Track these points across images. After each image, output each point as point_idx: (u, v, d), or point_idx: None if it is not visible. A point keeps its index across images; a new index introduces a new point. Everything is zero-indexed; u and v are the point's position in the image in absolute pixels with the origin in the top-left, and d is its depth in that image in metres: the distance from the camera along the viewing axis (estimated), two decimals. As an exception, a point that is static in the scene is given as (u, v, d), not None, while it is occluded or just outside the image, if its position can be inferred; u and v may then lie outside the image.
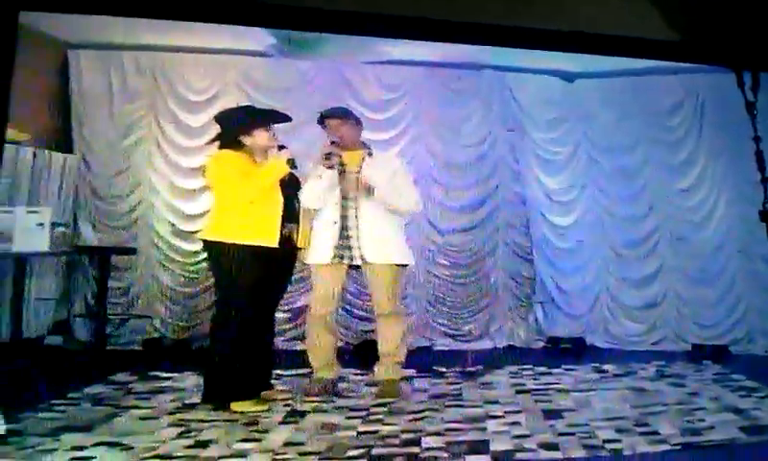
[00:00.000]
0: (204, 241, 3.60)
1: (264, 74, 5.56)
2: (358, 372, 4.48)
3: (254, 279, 3.51)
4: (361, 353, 4.73)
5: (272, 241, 3.55)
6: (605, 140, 5.90)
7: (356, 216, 3.82)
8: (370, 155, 3.96)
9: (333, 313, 3.96)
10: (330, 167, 3.72)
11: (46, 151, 5.00)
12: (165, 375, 4.39)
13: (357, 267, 3.97)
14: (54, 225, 4.53)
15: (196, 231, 5.20)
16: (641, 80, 5.67)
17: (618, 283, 5.80)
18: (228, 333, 3.54)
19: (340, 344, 4.49)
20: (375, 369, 3.99)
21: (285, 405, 3.70)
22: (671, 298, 5.69)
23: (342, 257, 3.86)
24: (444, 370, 4.62)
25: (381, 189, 3.78)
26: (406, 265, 4.00)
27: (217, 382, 3.57)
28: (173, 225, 5.46)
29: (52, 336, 5.01)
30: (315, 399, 3.83)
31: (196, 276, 5.35)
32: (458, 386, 4.22)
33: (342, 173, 3.84)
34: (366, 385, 4.20)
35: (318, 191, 3.80)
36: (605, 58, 4.88)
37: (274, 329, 3.99)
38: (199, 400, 3.69)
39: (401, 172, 4.01)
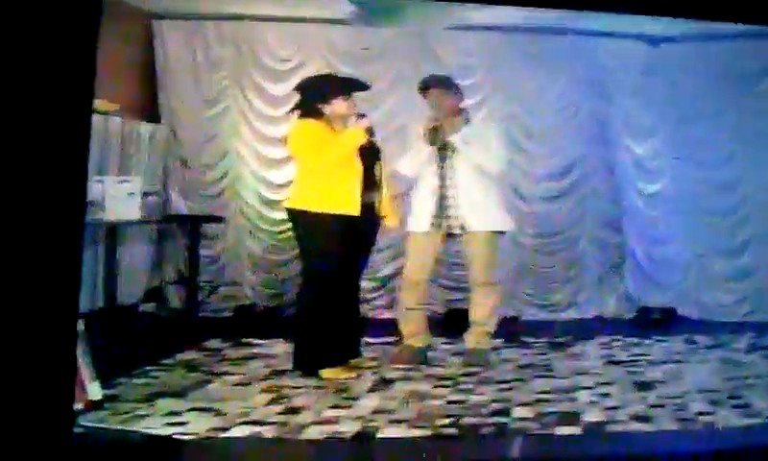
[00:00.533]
0: (288, 210, 3.67)
1: (346, 42, 5.49)
2: (446, 341, 4.44)
3: (337, 246, 3.52)
4: (449, 323, 4.73)
5: (353, 209, 3.57)
6: (692, 107, 5.65)
7: (454, 184, 3.82)
8: (467, 121, 3.95)
9: (427, 281, 3.98)
10: (433, 143, 3.78)
11: (134, 121, 5.04)
12: (256, 341, 4.41)
13: (452, 235, 3.96)
14: (144, 194, 4.57)
15: (282, 200, 5.22)
16: (728, 44, 5.40)
17: (709, 252, 5.61)
18: (313, 301, 3.59)
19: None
20: (465, 338, 3.98)
21: (373, 373, 3.71)
22: (763, 267, 5.48)
23: (440, 226, 3.87)
24: (532, 340, 4.58)
25: (478, 154, 3.81)
26: (504, 232, 4.00)
27: (306, 349, 3.61)
28: (260, 194, 5.47)
29: (145, 304, 5.06)
30: (404, 366, 3.83)
31: (284, 244, 5.30)
32: (546, 357, 4.18)
33: (440, 141, 3.84)
34: (453, 355, 4.18)
35: (417, 162, 3.86)
36: (690, 22, 4.60)
37: (359, 297, 3.97)
38: (289, 367, 3.72)
39: (494, 138, 4.01)
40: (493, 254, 3.92)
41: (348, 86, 3.74)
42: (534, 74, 5.64)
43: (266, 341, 4.40)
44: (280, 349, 4.18)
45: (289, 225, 4.86)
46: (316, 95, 3.65)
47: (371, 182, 3.73)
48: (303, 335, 3.63)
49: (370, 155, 3.73)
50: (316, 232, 3.51)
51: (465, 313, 4.30)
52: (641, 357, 4.15)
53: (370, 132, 3.62)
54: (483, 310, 3.89)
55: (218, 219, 5.21)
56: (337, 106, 3.62)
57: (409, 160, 3.88)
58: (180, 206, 5.31)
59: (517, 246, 5.47)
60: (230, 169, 5.45)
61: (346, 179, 3.58)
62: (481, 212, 3.82)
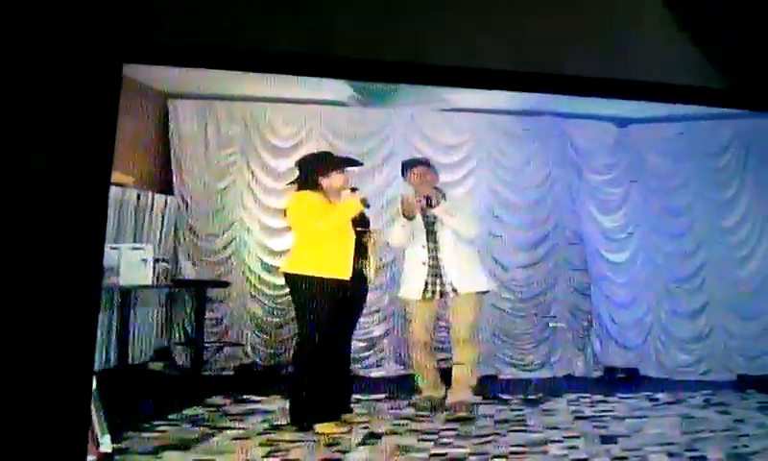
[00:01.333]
0: (285, 274, 3.80)
1: (343, 122, 5.59)
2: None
3: (330, 309, 3.67)
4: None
5: (345, 274, 3.72)
6: (656, 181, 5.86)
7: (442, 252, 4.09)
8: (444, 197, 4.23)
9: (431, 339, 4.22)
10: (412, 217, 4.04)
11: (149, 193, 5.12)
12: (256, 398, 4.49)
13: (443, 297, 4.17)
14: (156, 260, 4.73)
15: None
16: (691, 124, 5.64)
17: (669, 317, 5.73)
18: (308, 359, 3.72)
19: (403, 372, 4.93)
20: (449, 393, 4.14)
21: (363, 428, 3.83)
22: (718, 331, 5.62)
23: (434, 292, 4.13)
24: (507, 397, 4.72)
25: (458, 222, 4.11)
26: (487, 291, 4.28)
27: (301, 405, 3.72)
28: (262, 260, 5.49)
29: (154, 362, 5.07)
30: (419, 413, 4.12)
31: (283, 307, 5.31)
32: (521, 412, 4.33)
33: (425, 216, 4.15)
34: (435, 409, 4.29)
35: (405, 236, 4.12)
36: (657, 104, 4.97)
37: (350, 356, 4.13)
38: (286, 422, 3.82)
39: (470, 208, 4.50)
40: (476, 313, 4.17)
41: (343, 163, 3.95)
42: (514, 152, 5.80)
43: (264, 398, 4.46)
44: (278, 405, 4.25)
45: (287, 289, 5.02)
46: (314, 170, 3.86)
47: (361, 250, 3.86)
48: (298, 392, 3.73)
49: (360, 224, 3.89)
50: (311, 296, 3.65)
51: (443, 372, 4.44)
52: (606, 413, 4.31)
53: (365, 203, 3.78)
54: (465, 366, 4.10)
55: (223, 284, 5.30)
56: (335, 179, 3.84)
57: (397, 233, 4.10)
58: (188, 271, 5.37)
59: (497, 310, 5.64)
60: (235, 237, 5.49)
61: (340, 245, 3.74)
62: (467, 275, 4.08)
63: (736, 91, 2.82)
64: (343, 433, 3.66)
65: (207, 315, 5.18)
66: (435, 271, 4.07)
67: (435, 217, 4.09)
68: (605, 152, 5.89)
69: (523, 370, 5.58)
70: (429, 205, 4.00)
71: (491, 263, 5.64)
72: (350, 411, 3.96)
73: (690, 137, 5.84)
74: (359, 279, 3.85)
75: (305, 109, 5.58)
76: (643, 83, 2.74)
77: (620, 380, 5.42)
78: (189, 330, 5.20)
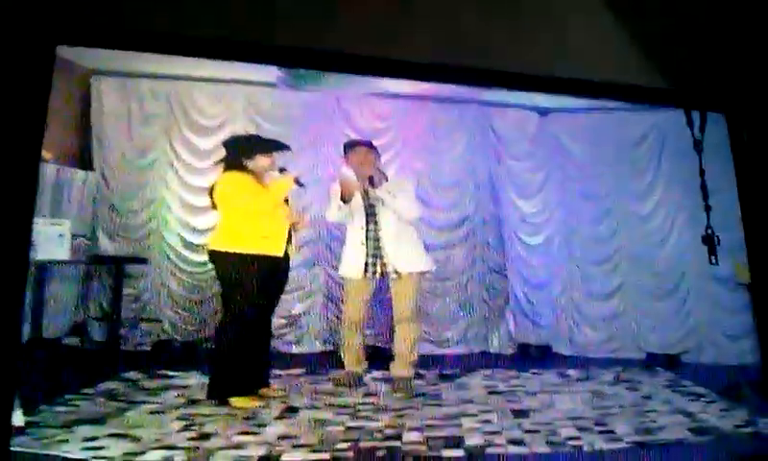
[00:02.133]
0: (211, 251, 3.63)
1: (269, 103, 5.52)
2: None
3: (258, 285, 3.56)
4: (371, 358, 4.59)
5: (279, 250, 3.65)
6: (575, 169, 5.94)
7: (381, 234, 3.99)
8: (386, 178, 4.12)
9: (363, 319, 4.12)
10: (350, 199, 3.89)
11: (68, 168, 4.98)
12: (172, 373, 4.39)
13: (384, 278, 4.08)
14: (74, 236, 4.54)
15: (204, 245, 5.15)
16: (610, 115, 5.76)
17: (582, 297, 5.80)
18: (230, 336, 3.60)
19: (323, 349, 5.10)
20: (392, 367, 4.10)
21: (282, 402, 3.76)
22: (630, 311, 5.69)
23: (375, 272, 4.02)
24: (424, 372, 4.62)
25: (400, 204, 3.98)
26: (427, 272, 4.17)
27: (219, 380, 3.62)
28: (183, 237, 5.40)
29: (70, 337, 4.92)
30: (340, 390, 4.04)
31: (202, 284, 5.29)
32: (437, 387, 4.28)
33: (365, 197, 4.03)
34: (379, 381, 4.31)
35: (341, 217, 4.03)
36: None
37: (271, 333, 4.00)
38: (203, 397, 3.72)
39: (408, 189, 4.18)
40: (417, 292, 4.07)
41: (270, 147, 3.82)
42: (438, 137, 5.82)
43: (181, 373, 4.36)
44: (195, 380, 4.17)
45: (208, 266, 4.73)
46: (239, 152, 3.73)
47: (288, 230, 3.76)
48: (217, 367, 3.63)
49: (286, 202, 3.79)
50: (239, 272, 3.53)
51: (379, 350, 4.71)
52: (519, 388, 4.27)
53: (298, 182, 3.69)
54: (407, 343, 4.01)
55: (142, 260, 5.16)
56: (258, 162, 3.72)
57: (333, 213, 3.97)
58: (106, 247, 5.25)
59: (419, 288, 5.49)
60: (156, 214, 5.39)
61: (275, 223, 3.65)
62: (409, 256, 3.98)
63: (642, 88, 2.83)
64: (261, 407, 3.57)
65: (125, 291, 5.04)
66: (375, 252, 3.99)
67: (376, 198, 3.98)
68: (526, 139, 5.96)
69: (441, 346, 5.58)
70: (372, 184, 3.90)
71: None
72: (267, 386, 3.86)
73: (609, 127, 5.88)
74: (284, 256, 3.78)
75: (232, 89, 5.49)
76: (575, 80, 2.72)
77: (533, 357, 5.44)
78: (106, 306, 5.04)
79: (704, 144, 3.56)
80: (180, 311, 5.31)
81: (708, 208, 3.51)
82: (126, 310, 5.10)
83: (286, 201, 3.78)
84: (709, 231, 3.78)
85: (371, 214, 3.98)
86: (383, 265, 3.96)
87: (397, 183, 4.10)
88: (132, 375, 4.32)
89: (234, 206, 3.58)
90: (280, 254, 3.63)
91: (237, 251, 3.51)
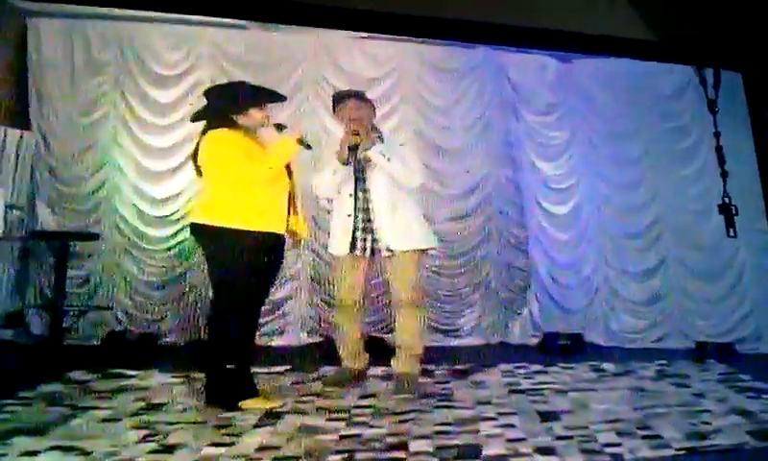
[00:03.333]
0: (197, 225, 3.39)
1: (241, 46, 5.38)
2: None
3: (256, 268, 3.37)
4: (370, 349, 4.41)
5: (280, 227, 3.43)
6: (604, 125, 5.77)
7: (375, 203, 3.77)
8: (380, 138, 3.88)
9: (360, 303, 3.92)
10: (347, 162, 3.69)
11: (0, 127, 4.84)
12: (129, 372, 4.15)
13: (376, 255, 3.91)
14: (8, 207, 4.47)
15: (166, 216, 5.19)
16: (643, 63, 5.37)
17: (618, 276, 5.64)
18: (230, 328, 3.41)
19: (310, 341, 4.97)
20: (394, 362, 3.91)
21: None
22: (674, 292, 5.56)
23: (364, 250, 3.83)
24: (432, 368, 4.42)
25: (396, 168, 3.74)
26: (427, 250, 3.97)
27: (222, 381, 3.42)
28: (139, 209, 5.22)
29: (3, 330, 4.78)
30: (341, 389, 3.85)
31: (164, 265, 5.13)
32: (448, 385, 4.06)
33: (354, 160, 3.78)
34: (381, 379, 4.10)
35: (333, 184, 3.79)
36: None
37: (257, 324, 3.82)
38: (164, 401, 3.55)
39: (409, 152, 3.96)
40: (418, 274, 3.86)
41: (263, 97, 3.58)
42: (443, 89, 5.65)
43: (139, 372, 4.14)
44: (155, 380, 3.99)
45: (169, 243, 5.14)
46: (229, 104, 3.48)
47: (290, 199, 3.59)
48: (218, 366, 3.42)
49: (288, 170, 3.61)
50: (233, 252, 3.30)
51: (380, 341, 4.51)
52: (546, 386, 4.08)
53: (303, 143, 3.46)
54: (410, 333, 3.82)
55: (91, 236, 4.97)
56: (251, 116, 3.48)
57: (325, 180, 3.80)
58: (47, 221, 5.04)
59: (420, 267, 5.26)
60: (107, 181, 5.21)
61: (274, 194, 3.43)
62: (404, 231, 3.76)
63: (654, 43, 2.88)
64: (275, 409, 3.40)
65: (71, 273, 4.87)
66: (365, 224, 3.78)
67: (367, 161, 3.76)
68: (547, 90, 5.84)
69: (451, 336, 5.44)
70: (354, 148, 3.69)
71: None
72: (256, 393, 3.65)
73: (642, 77, 5.70)
74: (287, 232, 3.60)
75: (195, 32, 5.39)
76: (576, 34, 2.80)
77: (562, 348, 5.21)
78: (48, 292, 4.92)
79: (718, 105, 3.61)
80: (136, 297, 5.13)
81: (724, 175, 3.57)
82: (71, 296, 4.92)
83: (288, 168, 3.54)
84: (726, 200, 3.74)
85: (360, 180, 3.79)
86: (373, 241, 3.80)
87: (394, 144, 3.93)
88: (80, 374, 4.10)
89: (225, 170, 3.34)
90: (281, 230, 3.45)
91: (229, 226, 3.29)
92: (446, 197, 5.56)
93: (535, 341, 5.48)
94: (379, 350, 4.35)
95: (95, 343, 4.94)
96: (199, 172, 3.47)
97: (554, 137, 5.79)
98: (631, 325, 5.53)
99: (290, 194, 3.54)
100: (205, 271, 4.00)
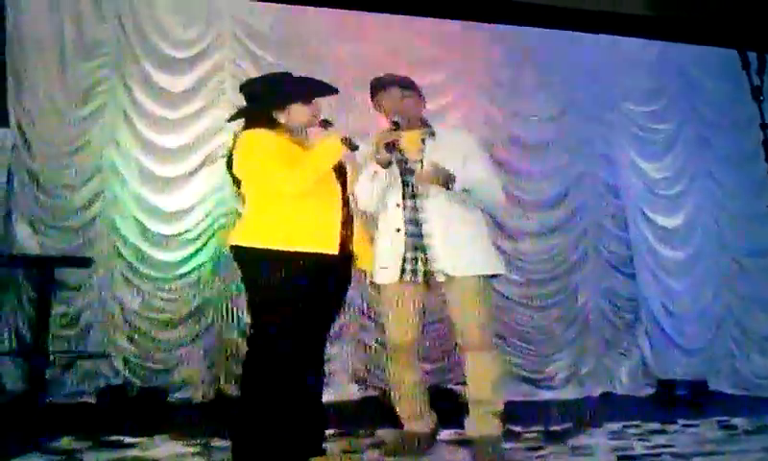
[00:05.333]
0: (236, 248, 3.03)
1: (268, 22, 4.93)
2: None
3: (307, 299, 2.95)
4: (436, 405, 3.92)
5: (331, 247, 3.01)
6: (716, 116, 5.39)
7: (425, 218, 3.25)
8: (431, 135, 3.38)
9: (416, 343, 3.40)
10: (388, 163, 3.18)
11: None
12: (128, 440, 3.56)
13: (430, 282, 3.38)
14: None
15: (179, 234, 4.72)
16: None
17: (745, 305, 5.20)
18: (270, 377, 2.92)
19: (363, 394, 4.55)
20: (467, 424, 3.34)
21: None
22: None
23: (414, 272, 3.28)
24: (519, 429, 3.87)
25: (458, 180, 3.26)
26: (496, 276, 3.45)
27: (254, 450, 2.92)
28: (144, 226, 4.72)
29: None
30: None
31: (175, 297, 4.61)
32: (540, 452, 3.51)
33: (400, 163, 3.31)
34: (447, 445, 3.55)
35: (375, 192, 3.27)
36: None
37: (323, 369, 3.30)
38: None
39: (476, 154, 3.40)
40: (487, 306, 3.30)
41: (311, 90, 3.22)
42: (518, 73, 5.21)
43: (143, 439, 3.55)
44: (164, 450, 3.41)
45: (184, 269, 4.65)
46: (270, 99, 3.13)
47: (344, 213, 3.18)
48: (249, 428, 2.96)
49: (340, 175, 3.21)
50: (280, 279, 2.91)
51: (447, 394, 4.08)
52: (665, 450, 3.49)
53: (350, 144, 3.05)
54: (485, 384, 3.26)
55: (82, 262, 4.43)
56: (295, 114, 3.10)
57: (364, 188, 3.28)
58: (27, 241, 4.50)
59: (498, 298, 4.79)
60: (103, 191, 4.69)
61: (322, 206, 3.04)
62: (463, 251, 3.23)
63: (694, 24, 3.36)
64: None
65: (56, 310, 4.32)
66: (415, 241, 3.26)
67: (416, 163, 3.29)
68: (644, 74, 5.41)
69: (541, 386, 4.89)
70: (392, 147, 3.14)
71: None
72: (324, 453, 3.17)
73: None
74: (343, 253, 3.12)
75: (213, 5, 4.98)
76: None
77: (681, 399, 4.69)
78: (26, 334, 4.38)
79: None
80: (139, 340, 4.57)
81: (775, 173, 3.15)
82: (56, 340, 4.33)
83: (339, 171, 3.15)
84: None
85: (408, 185, 3.30)
86: (426, 262, 3.27)
87: (449, 143, 3.41)
88: (66, 443, 3.52)
89: (263, 179, 3.03)
90: (333, 250, 3.02)
91: (272, 247, 2.92)
92: (528, 205, 5.06)
93: (648, 391, 4.96)
94: (449, 406, 3.81)
95: (86, 401, 4.42)
96: (236, 182, 3.13)
97: (657, 131, 5.33)
98: (763, 367, 5.06)
99: (344, 208, 3.12)
100: (229, 305, 4.09)
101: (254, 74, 4.24)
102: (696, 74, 5.45)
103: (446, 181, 3.24)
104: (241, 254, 3.03)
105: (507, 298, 4.90)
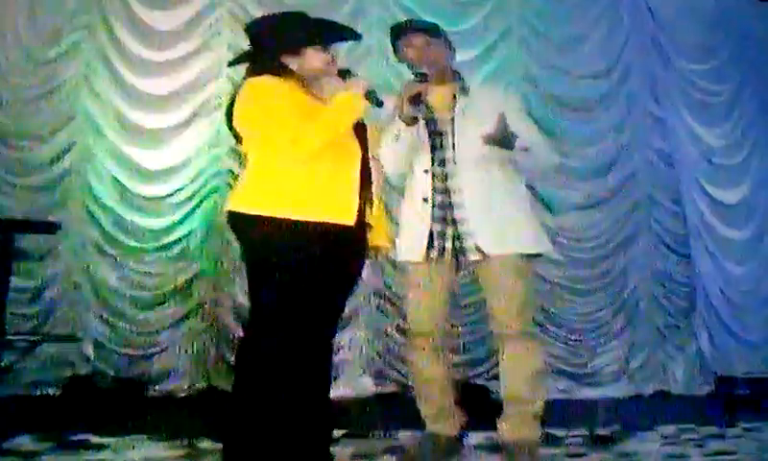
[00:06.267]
0: (234, 214, 2.66)
1: None
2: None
3: (317, 276, 2.60)
4: (465, 403, 3.45)
5: (348, 217, 2.66)
6: None
7: (457, 186, 2.91)
8: (464, 91, 3.01)
9: (441, 331, 3.03)
10: (413, 120, 2.80)
11: None
12: (99, 440, 3.16)
13: (462, 261, 3.05)
14: None
15: (164, 197, 4.26)
16: None
17: None
18: (269, 367, 2.56)
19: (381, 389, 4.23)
20: (501, 425, 3.02)
21: None
22: None
23: (443, 249, 2.92)
24: (560, 433, 3.47)
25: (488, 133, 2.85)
26: (539, 255, 3.09)
27: (249, 453, 2.60)
28: (123, 186, 4.30)
29: None
30: None
31: (159, 271, 4.19)
32: (584, 459, 3.19)
33: (428, 122, 2.96)
34: (476, 450, 3.26)
35: (399, 155, 2.90)
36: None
37: (331, 360, 2.94)
38: None
39: (516, 114, 2.96)
40: (527, 289, 2.95)
41: (329, 33, 2.83)
42: (562, 19, 4.84)
43: (116, 439, 3.13)
44: (142, 453, 3.04)
45: (169, 238, 4.29)
46: (280, 41, 2.72)
47: (362, 178, 2.82)
48: (246, 426, 2.63)
49: (359, 134, 2.82)
50: (285, 252, 2.56)
51: (478, 390, 3.95)
52: (725, 457, 3.20)
53: (373, 98, 2.64)
54: (522, 379, 2.92)
55: (49, 227, 3.94)
56: (312, 58, 2.71)
57: (392, 150, 2.91)
58: None
59: (537, 280, 4.40)
60: (75, 145, 4.27)
61: (339, 169, 2.70)
62: (502, 226, 2.87)
63: None
64: None
65: (15, 284, 3.67)
66: (445, 213, 2.91)
67: (445, 122, 2.94)
68: (702, 28, 5.07)
69: (585, 383, 4.53)
70: (415, 104, 2.76)
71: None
72: (330, 458, 2.88)
73: None
74: (360, 225, 2.76)
75: None
76: None
77: (743, 400, 4.39)
78: None
79: None
80: (115, 321, 4.14)
81: None
82: (16, 320, 3.93)
83: (358, 128, 2.73)
84: None
85: (437, 148, 2.94)
86: (458, 238, 2.90)
87: (485, 100, 2.99)
88: (26, 442, 3.17)
89: (270, 135, 2.62)
90: (351, 221, 2.65)
91: (279, 216, 2.53)
92: (571, 173, 4.62)
93: (705, 390, 4.64)
94: (479, 405, 3.58)
95: (51, 393, 4.03)
96: (237, 138, 2.75)
97: (714, 92, 4.95)
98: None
99: (363, 172, 2.73)
100: (222, 282, 3.92)
101: (256, 13, 3.98)
102: (758, 30, 5.09)
103: (508, 140, 2.81)
104: (239, 222, 2.65)
105: (546, 280, 4.53)
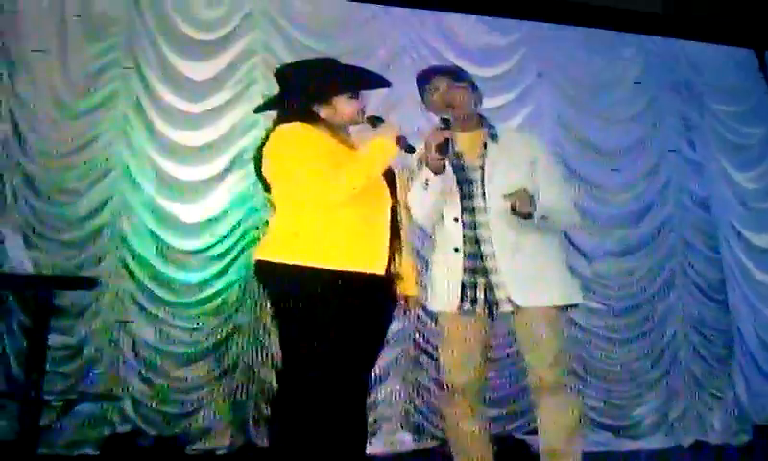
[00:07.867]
0: (263, 264, 2.53)
1: (308, 3, 4.38)
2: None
3: (349, 326, 2.45)
4: (503, 457, 3.39)
5: (378, 266, 2.54)
6: None
7: (486, 236, 2.76)
8: (493, 137, 2.87)
9: (476, 383, 2.90)
10: (442, 168, 2.67)
11: None
12: None
13: (495, 313, 2.87)
14: None
15: (201, 250, 4.11)
16: None
17: None
18: (303, 421, 2.44)
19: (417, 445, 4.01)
20: None
21: None
22: None
23: (475, 300, 2.80)
24: None
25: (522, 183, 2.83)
26: (573, 306, 2.98)
27: None
28: (161, 240, 4.10)
29: None
30: None
31: (198, 326, 3.97)
32: None
33: (457, 170, 2.84)
34: None
35: (428, 203, 2.77)
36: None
37: (366, 413, 2.76)
38: None
39: (545, 162, 2.90)
40: (561, 341, 2.85)
41: (359, 80, 2.75)
42: (594, 64, 4.65)
43: None
44: None
45: (207, 292, 4.08)
46: (309, 89, 2.65)
47: (392, 226, 2.71)
48: None
49: (389, 181, 2.74)
50: (314, 302, 2.45)
51: (516, 444, 3.86)
52: None
53: (404, 144, 2.53)
54: (561, 432, 2.79)
55: (85, 282, 3.77)
56: (342, 107, 2.63)
57: (421, 199, 2.76)
58: (19, 258, 3.68)
59: (573, 328, 4.21)
60: (112, 198, 4.06)
61: (369, 217, 2.59)
62: (534, 279, 2.73)
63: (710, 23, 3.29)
64: None
65: (53, 341, 3.53)
66: (476, 263, 2.74)
67: (474, 169, 2.81)
68: (736, 70, 4.91)
69: (623, 435, 4.26)
70: (441, 152, 2.60)
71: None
72: None
73: None
74: (388, 275, 2.62)
75: None
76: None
77: None
78: (16, 370, 3.78)
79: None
80: (153, 377, 3.95)
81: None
82: (53, 378, 3.70)
83: (388, 176, 2.64)
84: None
85: (467, 197, 2.78)
86: (490, 289, 2.77)
87: (517, 143, 2.91)
88: None
89: (300, 182, 2.50)
90: (380, 270, 2.53)
91: (308, 264, 2.42)
92: (605, 220, 4.47)
93: (743, 439, 4.39)
94: (518, 460, 3.73)
95: (89, 453, 3.82)
96: (264, 185, 2.64)
97: (748, 134, 4.79)
98: None
99: (392, 220, 2.62)
100: (261, 335, 3.77)
101: (290, 61, 3.64)
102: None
103: (527, 213, 2.68)
104: (267, 271, 2.53)
105: (583, 328, 4.32)
